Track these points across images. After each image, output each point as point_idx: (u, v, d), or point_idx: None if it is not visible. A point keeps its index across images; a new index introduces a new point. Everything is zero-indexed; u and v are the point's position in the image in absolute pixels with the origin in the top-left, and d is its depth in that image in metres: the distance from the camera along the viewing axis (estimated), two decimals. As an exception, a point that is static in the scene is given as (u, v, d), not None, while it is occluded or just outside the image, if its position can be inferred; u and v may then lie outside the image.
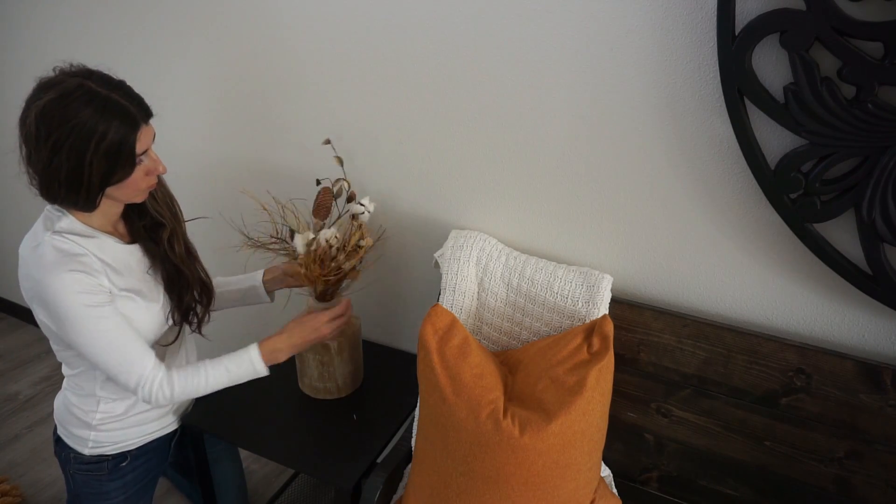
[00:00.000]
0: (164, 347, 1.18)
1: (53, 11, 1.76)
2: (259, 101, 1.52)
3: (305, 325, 1.20)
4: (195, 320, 1.20)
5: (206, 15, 1.48)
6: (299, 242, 1.21)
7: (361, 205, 1.29)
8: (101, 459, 1.18)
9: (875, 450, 1.06)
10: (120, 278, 1.05)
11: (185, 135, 1.69)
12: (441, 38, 1.22)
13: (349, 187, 1.33)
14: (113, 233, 1.08)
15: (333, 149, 1.38)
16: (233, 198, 1.70)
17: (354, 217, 1.30)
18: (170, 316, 1.14)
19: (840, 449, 1.08)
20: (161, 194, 1.13)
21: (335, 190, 1.30)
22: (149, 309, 1.10)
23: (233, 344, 1.22)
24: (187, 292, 1.16)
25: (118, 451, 1.19)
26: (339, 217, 1.33)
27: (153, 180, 1.04)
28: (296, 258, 1.25)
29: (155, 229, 1.12)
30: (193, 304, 1.18)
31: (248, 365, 1.13)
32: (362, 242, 1.31)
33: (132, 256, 1.10)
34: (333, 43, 1.35)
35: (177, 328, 1.18)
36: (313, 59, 1.39)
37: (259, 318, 1.87)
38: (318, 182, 1.34)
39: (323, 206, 1.28)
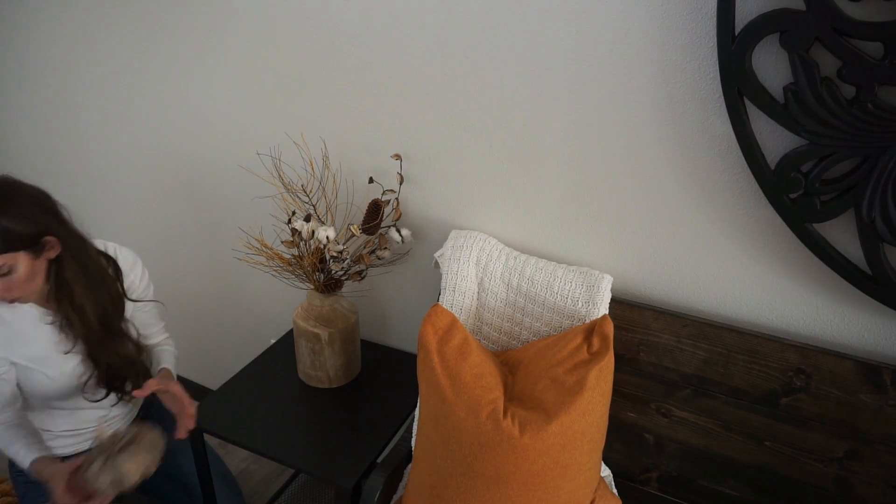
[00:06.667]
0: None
1: (58, 12, 1.76)
2: (256, 99, 1.52)
3: (58, 480, 1.14)
4: (120, 393, 1.23)
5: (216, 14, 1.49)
6: (309, 225, 1.26)
7: (399, 232, 1.32)
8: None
9: (875, 450, 1.06)
10: (26, 349, 1.13)
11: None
12: (439, 37, 1.22)
13: (398, 205, 1.36)
14: (38, 301, 1.13)
15: (399, 166, 1.37)
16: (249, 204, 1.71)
17: (383, 236, 1.33)
18: (89, 383, 1.19)
19: (840, 449, 1.08)
20: (73, 297, 1.11)
21: (384, 203, 1.33)
22: (51, 380, 1.16)
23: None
24: (108, 369, 1.19)
25: (62, 455, 1.25)
26: (377, 230, 1.34)
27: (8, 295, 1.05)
28: (295, 243, 1.28)
29: (69, 321, 1.14)
30: (118, 380, 1.22)
31: (20, 460, 1.14)
32: (380, 253, 1.34)
33: (45, 329, 1.15)
34: (331, 42, 1.35)
35: (104, 389, 1.21)
36: (311, 57, 1.39)
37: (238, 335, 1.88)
38: (371, 180, 1.37)
39: (371, 215, 1.31)
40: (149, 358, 1.34)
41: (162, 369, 1.30)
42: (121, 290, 1.21)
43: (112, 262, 1.21)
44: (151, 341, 1.34)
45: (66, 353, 1.15)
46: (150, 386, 1.14)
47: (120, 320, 1.21)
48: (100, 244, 1.21)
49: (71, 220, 1.11)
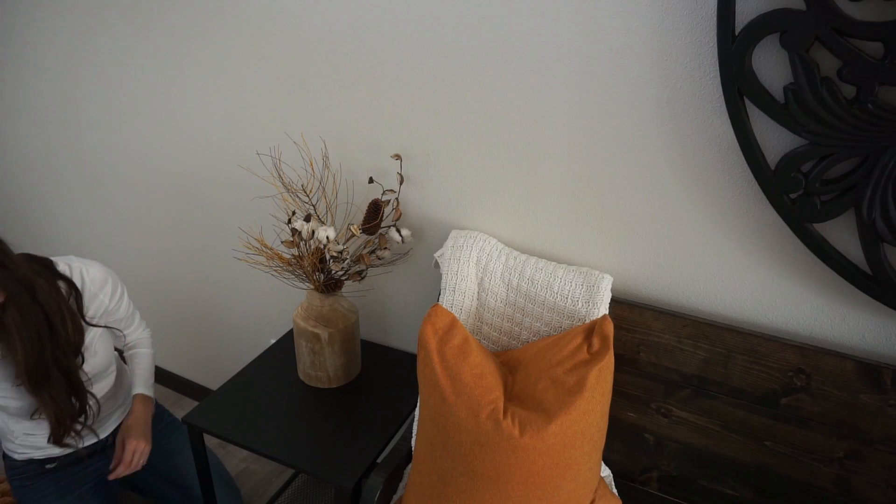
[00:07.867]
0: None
1: (59, 11, 1.76)
2: (256, 99, 1.52)
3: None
4: (72, 435, 1.19)
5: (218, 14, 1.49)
6: (309, 225, 1.26)
7: (399, 232, 1.32)
8: (29, 462, 1.28)
9: (875, 450, 1.06)
10: None
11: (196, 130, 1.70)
12: (438, 36, 1.22)
13: (398, 205, 1.36)
14: None
15: (400, 166, 1.38)
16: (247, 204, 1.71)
17: (383, 236, 1.33)
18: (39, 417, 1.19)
19: (840, 449, 1.08)
20: (11, 341, 1.06)
21: (384, 203, 1.33)
22: (10, 399, 1.17)
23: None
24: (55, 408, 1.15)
25: (44, 456, 1.28)
26: (377, 230, 1.35)
27: None
28: (295, 243, 1.28)
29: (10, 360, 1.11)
30: (62, 427, 1.17)
31: None
32: (380, 253, 1.34)
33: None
34: (331, 42, 1.35)
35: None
36: (311, 57, 1.39)
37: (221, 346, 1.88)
38: (371, 180, 1.37)
39: (371, 215, 1.32)
40: (128, 365, 1.39)
41: (135, 397, 1.34)
42: (79, 322, 1.17)
43: (74, 289, 1.17)
44: (129, 338, 1.37)
45: (18, 385, 1.13)
46: (119, 471, 1.25)
47: (67, 358, 1.15)
48: (63, 266, 1.18)
49: (15, 266, 1.05)
